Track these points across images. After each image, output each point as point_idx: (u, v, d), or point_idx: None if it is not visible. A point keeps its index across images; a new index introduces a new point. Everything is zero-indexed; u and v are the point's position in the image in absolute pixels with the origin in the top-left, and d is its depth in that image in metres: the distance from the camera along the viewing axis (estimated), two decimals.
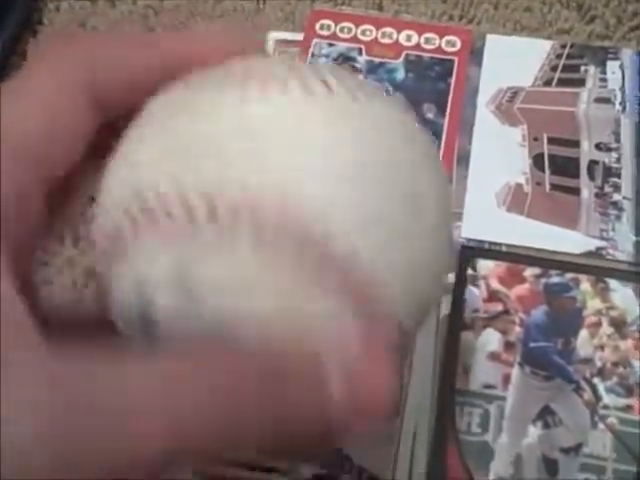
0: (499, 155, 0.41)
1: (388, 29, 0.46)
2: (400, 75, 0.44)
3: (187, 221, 0.17)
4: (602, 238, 0.39)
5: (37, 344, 0.15)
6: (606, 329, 0.36)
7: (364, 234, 0.17)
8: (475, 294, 0.37)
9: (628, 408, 0.34)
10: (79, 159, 0.20)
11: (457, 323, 0.36)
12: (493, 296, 0.37)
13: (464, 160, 0.41)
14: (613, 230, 0.39)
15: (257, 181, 0.17)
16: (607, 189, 0.40)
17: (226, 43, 0.21)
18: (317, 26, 0.46)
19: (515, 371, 0.35)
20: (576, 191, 0.40)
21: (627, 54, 0.44)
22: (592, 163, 0.41)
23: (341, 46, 0.45)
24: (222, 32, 0.21)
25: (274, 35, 0.46)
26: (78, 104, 0.19)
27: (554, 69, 0.44)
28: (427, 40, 0.45)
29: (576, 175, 0.40)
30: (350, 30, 0.46)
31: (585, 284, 0.37)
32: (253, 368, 0.16)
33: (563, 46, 0.44)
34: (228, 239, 0.17)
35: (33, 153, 0.18)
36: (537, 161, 0.41)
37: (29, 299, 0.16)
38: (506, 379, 0.35)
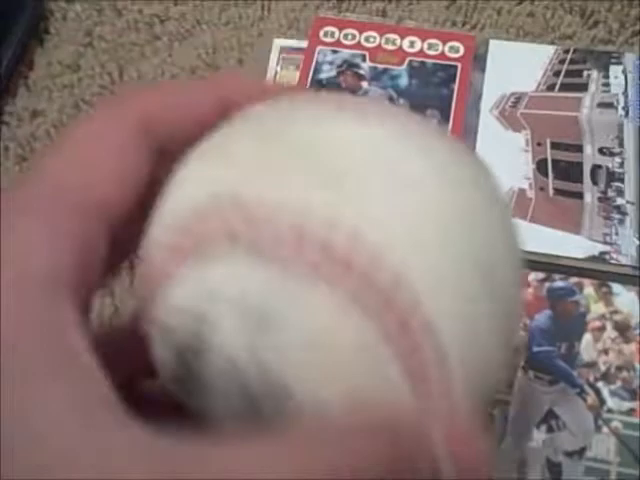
0: (502, 160, 0.41)
1: (392, 35, 0.46)
2: (404, 81, 0.45)
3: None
4: (605, 242, 0.39)
5: (129, 423, 0.14)
6: (610, 333, 0.36)
7: (441, 302, 0.16)
8: None
9: (632, 412, 0.35)
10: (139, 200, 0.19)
11: None
12: None
13: None
14: (616, 234, 0.39)
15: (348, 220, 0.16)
16: (610, 193, 0.40)
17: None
18: (321, 33, 0.46)
19: (519, 375, 0.36)
20: (579, 196, 0.40)
21: (630, 59, 0.44)
22: (595, 168, 0.41)
23: (345, 53, 0.46)
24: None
25: (278, 42, 0.47)
26: (139, 146, 0.19)
27: (557, 74, 0.44)
28: (430, 46, 0.45)
29: (579, 180, 0.41)
30: (354, 37, 0.46)
31: (589, 288, 0.37)
32: (380, 449, 0.15)
33: (566, 51, 0.45)
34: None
35: (98, 201, 0.18)
36: (540, 166, 0.41)
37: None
38: (510, 383, 0.35)
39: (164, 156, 0.19)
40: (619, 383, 0.35)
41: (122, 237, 0.19)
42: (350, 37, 0.46)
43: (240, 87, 0.21)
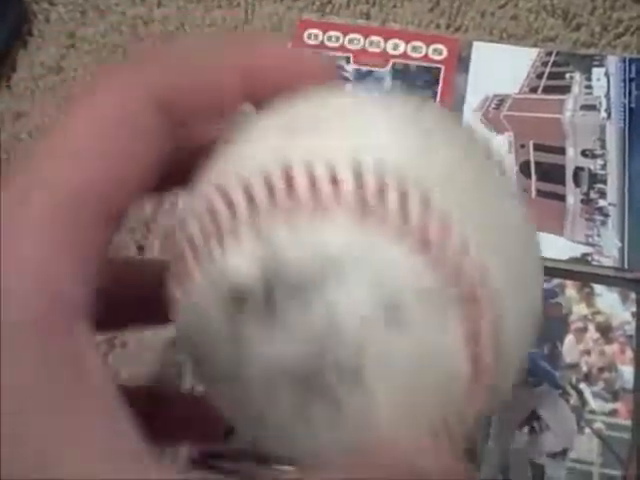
0: None
1: (375, 38, 0.46)
2: (387, 83, 0.45)
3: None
4: (588, 244, 0.39)
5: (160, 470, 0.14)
6: (592, 334, 0.36)
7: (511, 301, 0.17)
8: None
9: (614, 413, 0.35)
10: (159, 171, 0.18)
11: None
12: None
13: None
14: (599, 236, 0.39)
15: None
16: (593, 195, 0.40)
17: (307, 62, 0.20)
18: (305, 35, 0.46)
19: None
20: (562, 198, 0.40)
21: (612, 61, 0.44)
22: (578, 170, 0.41)
23: (329, 55, 0.46)
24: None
25: None
26: (147, 112, 0.17)
27: (540, 76, 0.44)
28: (414, 48, 0.45)
29: (562, 182, 0.41)
30: (338, 39, 0.46)
31: (571, 290, 0.37)
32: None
33: (549, 54, 0.45)
34: None
35: (99, 199, 0.16)
36: (523, 168, 0.41)
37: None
38: None
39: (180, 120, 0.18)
40: (601, 384, 0.35)
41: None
42: (334, 39, 0.46)
43: (262, 63, 0.19)
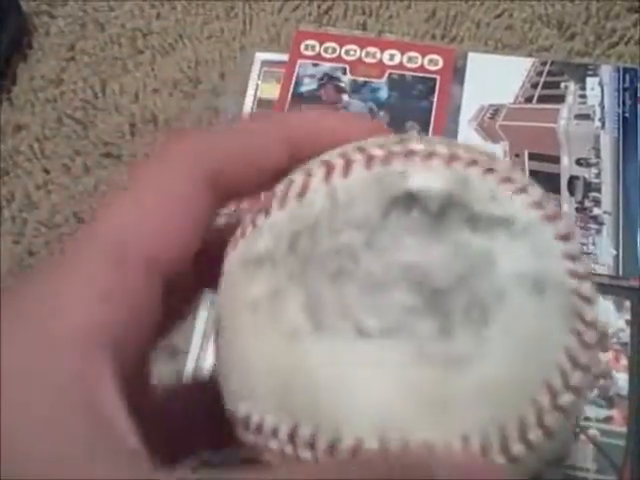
0: None
1: (372, 49, 0.46)
2: (384, 94, 0.45)
3: None
4: (583, 252, 0.39)
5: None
6: None
7: None
8: None
9: (609, 419, 0.35)
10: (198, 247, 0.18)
11: None
12: None
13: None
14: (593, 244, 0.39)
15: None
16: (587, 204, 0.41)
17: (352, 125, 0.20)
18: (302, 46, 0.47)
19: None
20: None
21: (606, 71, 0.44)
22: (572, 178, 0.41)
23: (326, 66, 0.46)
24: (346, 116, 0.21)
25: (260, 56, 0.47)
26: (203, 200, 0.18)
27: (535, 86, 0.44)
28: (410, 59, 0.46)
29: (557, 190, 0.41)
30: (334, 50, 0.47)
31: None
32: None
33: (543, 63, 0.45)
34: None
35: (145, 254, 0.17)
36: None
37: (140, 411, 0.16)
38: None
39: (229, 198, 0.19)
40: (596, 391, 0.36)
41: (178, 291, 0.18)
42: (331, 50, 0.47)
43: (308, 127, 0.20)
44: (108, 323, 0.16)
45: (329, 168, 0.19)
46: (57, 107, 0.47)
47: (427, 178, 0.18)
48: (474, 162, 0.19)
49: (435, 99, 0.44)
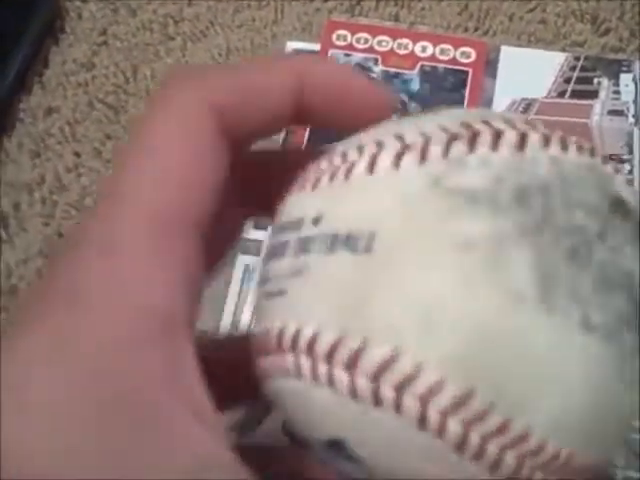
0: None
1: (404, 40, 0.46)
2: (415, 86, 0.45)
3: None
4: None
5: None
6: None
7: None
8: None
9: None
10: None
11: None
12: None
13: None
14: None
15: None
16: None
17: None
18: (334, 36, 0.47)
19: None
20: None
21: None
22: None
23: (357, 56, 0.46)
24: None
25: (291, 45, 0.47)
26: (218, 147, 0.17)
27: (568, 81, 0.44)
28: (442, 51, 0.46)
29: None
30: (366, 41, 0.47)
31: None
32: None
33: (577, 58, 0.45)
34: None
35: (191, 220, 0.17)
36: None
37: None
38: None
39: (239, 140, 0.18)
40: None
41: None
42: (362, 41, 0.47)
43: (318, 69, 0.19)
44: (182, 302, 0.16)
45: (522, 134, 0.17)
46: (88, 91, 0.47)
47: (624, 186, 0.17)
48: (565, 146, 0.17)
49: (467, 92, 0.44)
